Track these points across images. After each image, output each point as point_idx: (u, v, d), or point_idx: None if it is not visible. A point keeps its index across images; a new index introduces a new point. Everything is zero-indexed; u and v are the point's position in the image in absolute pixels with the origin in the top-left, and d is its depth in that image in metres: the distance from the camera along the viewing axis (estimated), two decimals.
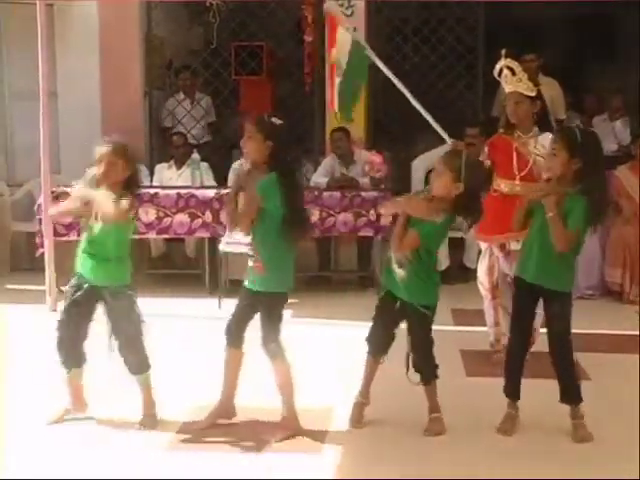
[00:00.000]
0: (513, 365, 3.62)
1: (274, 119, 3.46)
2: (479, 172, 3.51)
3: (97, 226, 3.50)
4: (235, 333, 3.58)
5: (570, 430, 3.55)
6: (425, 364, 3.59)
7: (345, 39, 4.59)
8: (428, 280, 3.53)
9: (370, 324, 3.66)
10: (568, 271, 3.53)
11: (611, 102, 7.51)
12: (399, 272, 3.48)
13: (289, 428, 3.52)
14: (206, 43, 8.18)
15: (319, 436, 3.52)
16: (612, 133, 7.41)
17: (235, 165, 6.89)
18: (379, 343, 3.63)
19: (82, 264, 3.57)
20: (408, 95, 4.50)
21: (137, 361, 3.60)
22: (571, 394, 3.58)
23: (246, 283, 3.55)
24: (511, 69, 4.21)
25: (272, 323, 3.52)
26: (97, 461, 3.29)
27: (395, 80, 4.51)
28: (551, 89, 6.52)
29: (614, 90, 7.63)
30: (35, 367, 4.25)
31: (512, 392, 3.64)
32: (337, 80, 4.66)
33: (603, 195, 3.45)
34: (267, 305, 3.52)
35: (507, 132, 4.31)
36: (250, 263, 3.50)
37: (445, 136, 4.55)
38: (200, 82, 7.95)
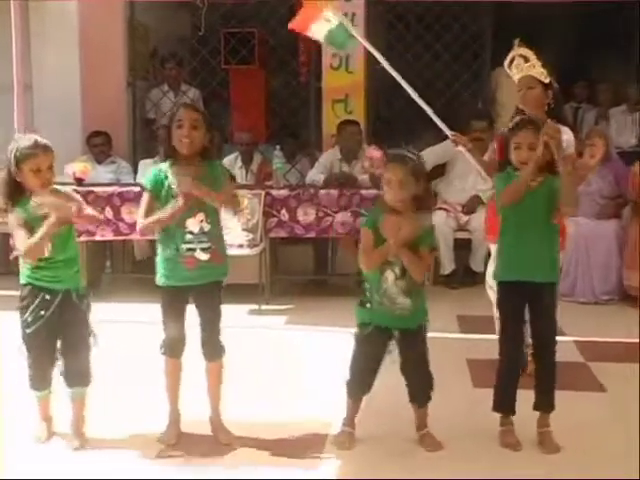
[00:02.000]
0: (507, 379, 3.60)
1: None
2: (423, 174, 3.49)
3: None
4: (179, 341, 3.58)
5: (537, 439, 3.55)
6: (427, 386, 3.58)
7: (325, 23, 4.63)
8: (424, 293, 3.55)
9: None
10: (557, 258, 3.59)
11: (630, 93, 7.54)
12: (405, 302, 3.45)
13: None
14: (193, 30, 8.21)
15: (316, 451, 3.54)
16: (631, 126, 7.45)
17: (226, 160, 6.92)
18: (365, 386, 3.58)
19: (37, 271, 3.49)
20: (407, 87, 4.52)
21: (78, 373, 3.56)
22: (550, 400, 3.58)
23: (177, 282, 3.53)
24: (524, 57, 4.24)
25: (219, 316, 3.58)
26: None
27: (393, 72, 4.53)
28: None
29: (633, 80, 7.67)
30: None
31: (507, 407, 3.61)
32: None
33: None
34: (216, 296, 3.57)
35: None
36: (203, 256, 3.51)
37: (446, 130, 4.57)
38: (187, 72, 7.97)
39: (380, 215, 3.42)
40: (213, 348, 3.60)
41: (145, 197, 3.57)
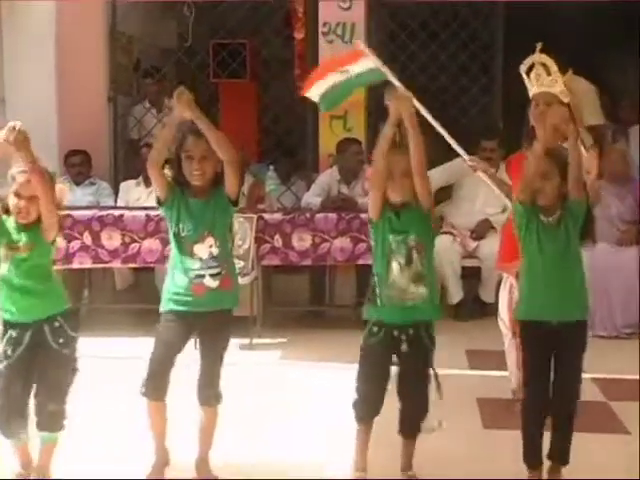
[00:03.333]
0: (533, 428, 3.57)
1: None
2: None
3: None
4: (162, 381, 3.56)
5: None
6: (422, 411, 3.56)
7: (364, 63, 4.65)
8: (435, 280, 3.65)
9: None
10: (585, 294, 3.59)
11: None
12: (416, 290, 3.48)
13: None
14: (180, 40, 8.27)
15: None
16: None
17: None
18: (376, 403, 3.55)
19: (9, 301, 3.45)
20: (426, 114, 4.48)
21: (50, 416, 3.46)
22: (565, 451, 3.56)
23: (179, 307, 3.54)
24: (546, 67, 4.24)
25: (221, 357, 3.59)
26: None
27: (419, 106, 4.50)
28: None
29: None
30: None
31: (534, 459, 3.59)
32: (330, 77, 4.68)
33: None
34: (224, 328, 3.60)
35: (528, 147, 4.33)
36: (213, 283, 3.53)
37: (464, 154, 4.58)
38: (172, 86, 8.01)
39: None
40: (210, 394, 3.59)
41: None
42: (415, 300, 3.48)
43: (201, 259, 3.53)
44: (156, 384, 3.55)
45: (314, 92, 4.62)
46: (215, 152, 3.50)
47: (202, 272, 3.53)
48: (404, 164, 3.45)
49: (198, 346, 3.63)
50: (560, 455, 3.57)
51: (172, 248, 3.62)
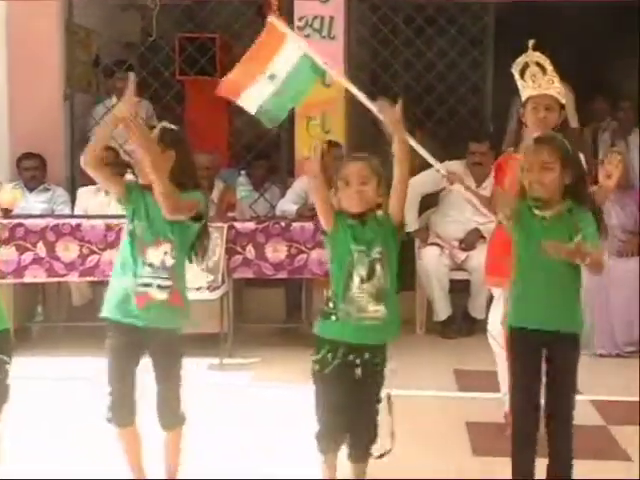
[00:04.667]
0: (524, 445, 3.60)
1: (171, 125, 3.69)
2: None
3: None
4: (126, 405, 3.56)
5: None
6: (373, 434, 3.56)
7: (291, 52, 4.68)
8: (396, 299, 3.56)
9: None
10: (578, 305, 3.62)
11: None
12: (376, 309, 3.44)
13: None
14: (143, 34, 8.27)
15: None
16: None
17: None
18: (338, 434, 3.55)
19: None
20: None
21: None
22: (567, 470, 3.58)
23: (122, 317, 3.53)
24: (541, 66, 4.30)
25: (176, 376, 3.59)
26: None
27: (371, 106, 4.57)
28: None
29: None
30: None
31: (524, 475, 3.61)
32: (262, 82, 4.69)
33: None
34: (173, 348, 3.59)
35: (517, 149, 4.39)
36: (159, 295, 3.52)
37: (437, 165, 4.66)
38: (135, 84, 8.01)
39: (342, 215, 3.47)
40: (169, 416, 3.60)
41: None
42: (373, 320, 3.46)
43: (152, 265, 3.51)
44: (121, 410, 3.54)
45: (248, 103, 4.65)
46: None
47: (150, 280, 3.51)
48: (364, 172, 3.45)
49: (152, 367, 3.62)
50: (564, 473, 3.56)
51: (124, 247, 3.59)
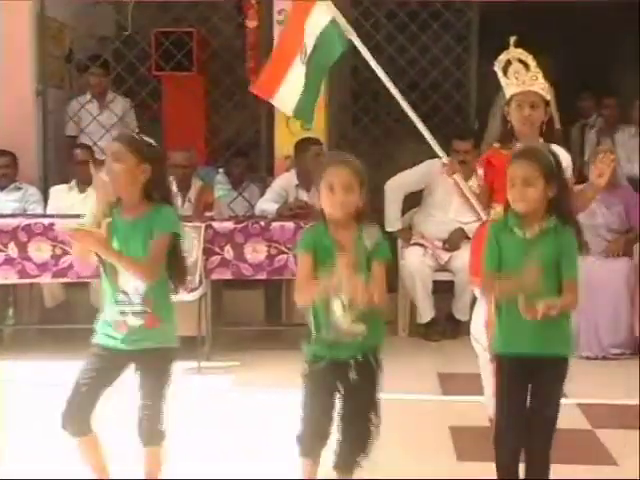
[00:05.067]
0: (508, 460, 3.60)
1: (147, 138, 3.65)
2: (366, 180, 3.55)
3: None
4: (86, 414, 3.56)
5: None
6: (364, 446, 3.53)
7: (319, 17, 4.67)
8: (379, 313, 3.54)
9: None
10: (568, 327, 3.60)
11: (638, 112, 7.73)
12: (359, 329, 3.44)
13: None
14: (118, 29, 8.24)
15: None
16: None
17: None
18: (320, 437, 3.55)
19: None
20: (402, 102, 4.57)
21: None
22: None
23: (105, 342, 3.55)
24: (524, 63, 4.33)
25: (160, 394, 3.58)
26: None
27: (388, 83, 4.59)
28: None
29: None
30: None
31: None
32: (296, 69, 4.68)
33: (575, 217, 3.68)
34: (159, 367, 3.58)
35: (504, 146, 4.42)
36: (134, 322, 3.51)
37: (442, 154, 4.66)
38: (111, 79, 7.99)
39: (323, 233, 3.44)
40: (150, 432, 3.60)
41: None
42: (355, 338, 3.46)
43: (125, 293, 3.52)
44: (74, 419, 3.54)
45: (282, 103, 4.62)
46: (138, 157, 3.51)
47: (125, 308, 3.53)
48: (348, 179, 3.40)
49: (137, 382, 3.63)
50: None
51: (101, 274, 3.60)
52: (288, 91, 4.72)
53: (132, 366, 3.59)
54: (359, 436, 3.54)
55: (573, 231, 3.52)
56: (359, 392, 3.50)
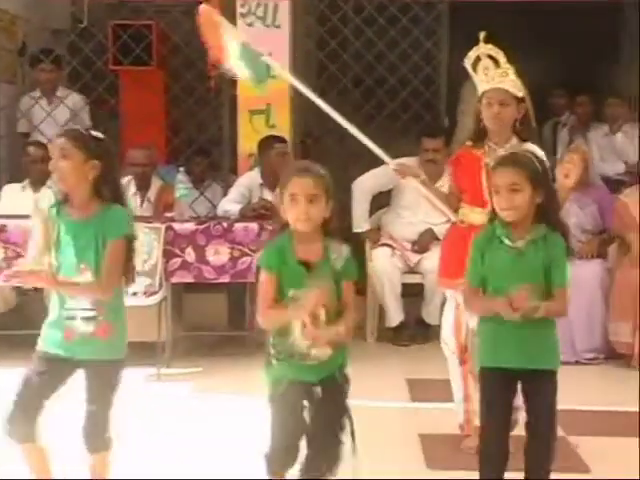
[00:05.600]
0: (491, 464, 3.63)
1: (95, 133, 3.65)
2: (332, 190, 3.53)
3: None
4: (30, 420, 3.56)
5: None
6: (332, 463, 3.52)
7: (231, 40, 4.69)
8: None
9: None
10: (555, 338, 3.64)
11: (612, 110, 7.79)
12: (319, 353, 3.42)
13: None
14: (74, 21, 8.19)
15: None
16: (615, 150, 7.70)
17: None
18: (289, 456, 3.54)
19: None
20: (337, 117, 4.59)
21: None
22: None
23: (50, 348, 3.55)
24: (494, 59, 4.34)
25: (107, 402, 3.58)
26: None
27: (321, 103, 4.61)
28: None
29: (617, 94, 7.92)
30: None
31: None
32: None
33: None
34: (106, 379, 3.58)
35: (476, 144, 4.44)
36: (84, 328, 3.50)
37: (385, 158, 4.68)
38: (65, 74, 7.95)
39: (288, 250, 3.41)
40: (95, 439, 3.60)
41: None
42: (319, 360, 3.46)
43: (73, 296, 3.52)
44: (18, 425, 3.54)
45: (235, 68, 4.63)
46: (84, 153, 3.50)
47: (73, 313, 3.52)
48: (312, 189, 3.36)
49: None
50: None
51: None
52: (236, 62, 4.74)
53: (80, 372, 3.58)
54: (326, 453, 3.54)
55: (562, 237, 3.54)
56: (325, 409, 3.50)
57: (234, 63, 4.62)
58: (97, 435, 3.59)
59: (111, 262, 3.48)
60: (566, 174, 4.07)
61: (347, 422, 3.54)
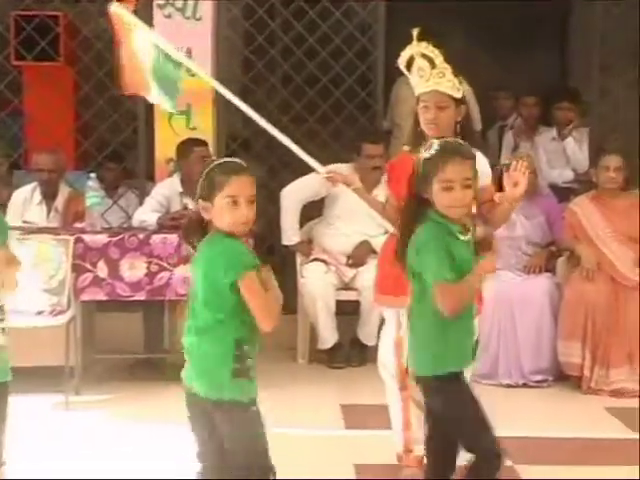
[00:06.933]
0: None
1: None
2: None
3: None
4: None
5: None
6: None
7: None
8: None
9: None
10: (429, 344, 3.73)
11: (559, 114, 7.92)
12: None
13: None
14: None
15: None
16: (564, 156, 7.81)
17: (19, 194, 6.82)
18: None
19: None
20: (261, 121, 4.63)
21: None
22: None
23: None
24: (429, 59, 4.37)
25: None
26: None
27: (243, 106, 4.64)
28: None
29: (565, 96, 8.04)
30: None
31: None
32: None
33: None
34: None
35: (415, 149, 4.47)
36: None
37: (316, 165, 4.71)
38: None
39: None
40: None
41: None
42: None
43: None
44: None
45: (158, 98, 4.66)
46: None
47: None
48: (252, 190, 3.43)
49: None
50: None
51: None
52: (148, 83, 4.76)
53: None
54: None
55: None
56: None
57: (146, 86, 4.66)
58: None
59: None
60: (515, 183, 4.12)
61: None
